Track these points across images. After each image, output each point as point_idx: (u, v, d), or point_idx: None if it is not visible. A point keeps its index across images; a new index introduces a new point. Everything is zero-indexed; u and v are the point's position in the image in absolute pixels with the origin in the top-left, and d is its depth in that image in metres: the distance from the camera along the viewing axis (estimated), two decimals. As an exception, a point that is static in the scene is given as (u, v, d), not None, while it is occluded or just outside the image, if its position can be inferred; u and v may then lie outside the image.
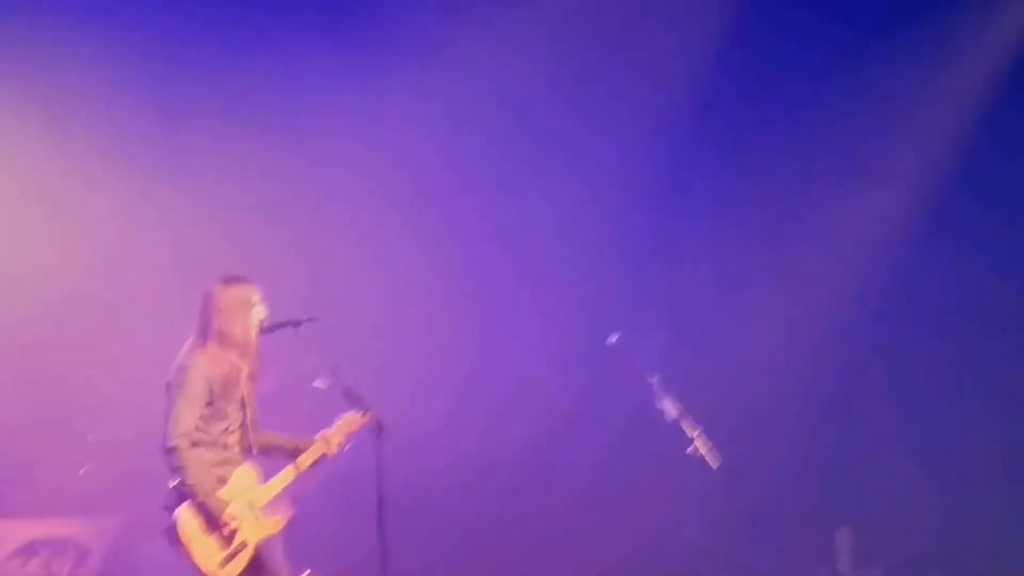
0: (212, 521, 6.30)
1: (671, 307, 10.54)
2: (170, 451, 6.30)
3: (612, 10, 10.36)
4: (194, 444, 6.36)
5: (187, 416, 6.34)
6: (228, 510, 6.33)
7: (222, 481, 6.43)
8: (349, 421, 6.72)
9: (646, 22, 10.44)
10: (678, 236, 10.73)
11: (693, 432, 7.95)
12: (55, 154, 9.79)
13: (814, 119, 10.34)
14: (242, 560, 6.42)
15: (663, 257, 10.75)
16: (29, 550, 8.93)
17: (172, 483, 6.35)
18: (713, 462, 7.92)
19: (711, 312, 10.57)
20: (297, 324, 6.67)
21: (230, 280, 6.68)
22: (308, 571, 9.96)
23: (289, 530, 7.99)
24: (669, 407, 8.00)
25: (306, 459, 6.69)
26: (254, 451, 6.66)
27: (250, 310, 6.62)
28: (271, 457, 6.76)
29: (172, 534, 6.31)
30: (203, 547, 6.30)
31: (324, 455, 6.71)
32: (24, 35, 9.56)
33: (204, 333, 6.55)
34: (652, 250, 10.80)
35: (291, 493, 7.31)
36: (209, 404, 6.42)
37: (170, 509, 6.34)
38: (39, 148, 9.80)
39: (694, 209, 10.72)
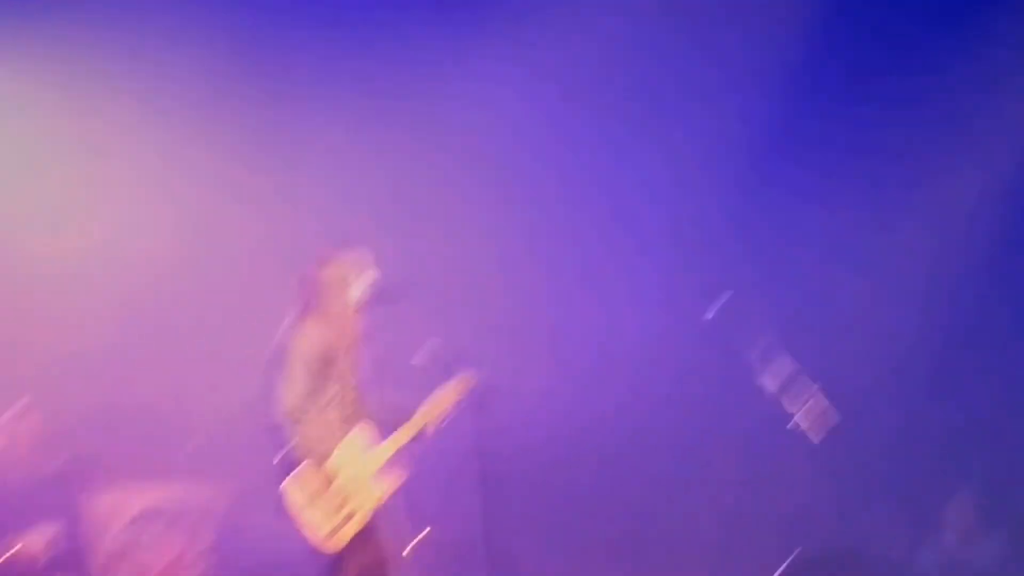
0: (321, 490, 6.44)
1: (772, 278, 10.48)
2: (283, 418, 6.45)
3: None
4: (301, 416, 6.48)
5: (293, 389, 6.48)
6: (337, 479, 6.46)
7: (329, 451, 6.55)
8: (450, 391, 6.83)
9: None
10: (780, 208, 10.67)
11: (795, 404, 7.92)
12: (148, 136, 9.98)
13: (919, 88, 10.24)
14: (352, 527, 6.54)
15: (766, 227, 10.70)
16: (144, 519, 9.14)
17: (281, 454, 6.50)
18: (815, 435, 7.88)
19: (814, 282, 10.50)
20: (395, 298, 6.79)
21: (328, 257, 6.81)
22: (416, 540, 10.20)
23: (395, 499, 8.22)
24: (771, 379, 7.98)
25: (410, 429, 6.80)
26: (359, 421, 6.77)
27: (348, 286, 6.74)
28: (376, 427, 6.87)
29: (283, 503, 6.45)
30: (314, 515, 6.44)
31: (428, 425, 6.82)
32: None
33: (305, 309, 6.70)
34: (757, 220, 10.75)
35: (396, 462, 7.51)
36: (313, 377, 6.54)
37: (280, 479, 6.49)
38: (130, 129, 10.01)
39: (796, 182, 10.64)
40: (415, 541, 9.28)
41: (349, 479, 6.54)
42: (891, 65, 10.42)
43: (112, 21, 9.75)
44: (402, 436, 6.81)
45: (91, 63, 9.83)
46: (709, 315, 8.22)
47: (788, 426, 7.90)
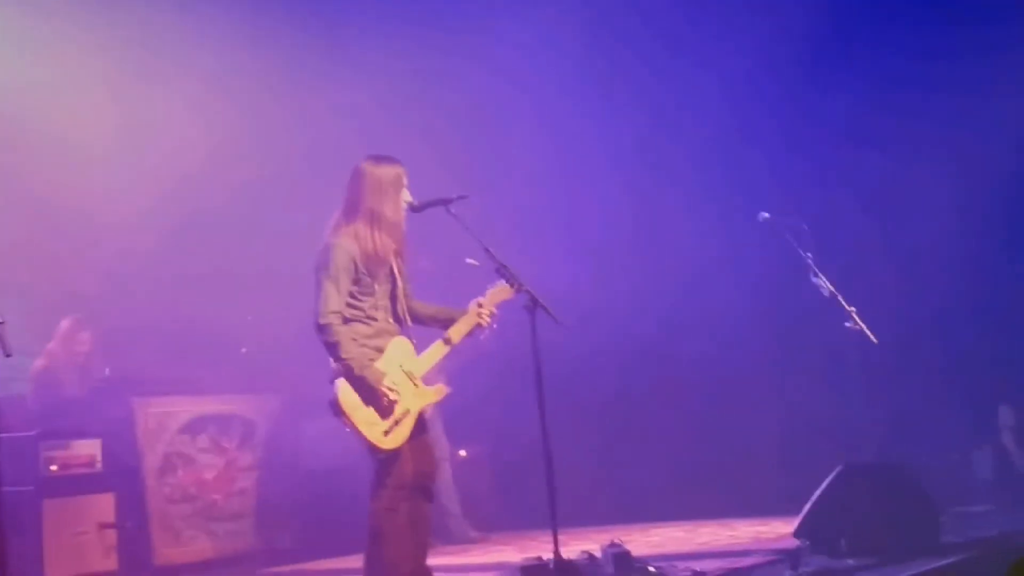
0: (371, 392, 6.37)
1: (819, 191, 10.38)
2: (322, 328, 6.39)
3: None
4: (346, 320, 6.43)
5: (335, 294, 6.40)
6: (386, 380, 6.41)
7: (379, 351, 6.50)
8: (500, 290, 6.72)
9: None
10: (826, 122, 10.57)
11: (848, 308, 7.86)
12: (197, 55, 9.96)
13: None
14: (405, 428, 6.48)
15: (813, 142, 10.64)
16: (197, 425, 9.20)
17: (332, 362, 6.45)
18: (872, 336, 7.82)
19: (859, 194, 10.41)
20: (448, 202, 6.67)
21: (381, 158, 6.68)
22: (463, 452, 10.24)
23: (447, 406, 8.23)
24: (823, 283, 7.91)
25: (460, 328, 6.70)
26: (408, 322, 6.72)
27: (400, 189, 6.62)
28: (426, 327, 6.82)
29: (335, 406, 6.39)
30: (365, 417, 6.38)
31: (478, 325, 6.73)
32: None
33: (353, 210, 6.57)
34: (803, 136, 10.69)
35: (447, 368, 7.49)
36: (357, 281, 6.47)
37: (331, 383, 6.42)
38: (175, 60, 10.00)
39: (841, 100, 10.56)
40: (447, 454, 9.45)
41: (399, 377, 6.48)
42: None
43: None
44: (454, 334, 6.70)
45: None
46: (762, 217, 8.14)
47: (846, 324, 7.85)
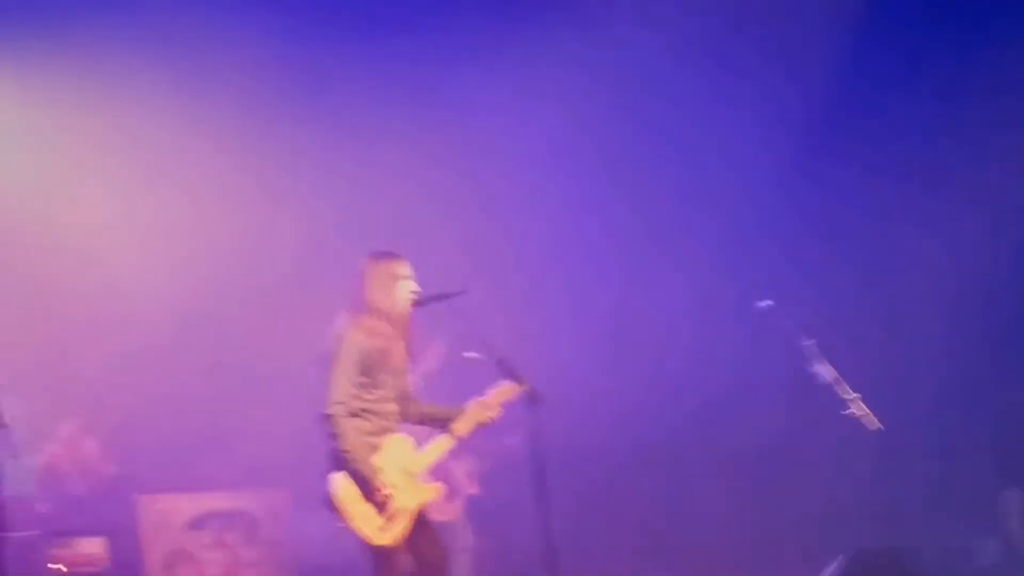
0: (367, 487, 6.42)
1: (821, 274, 10.45)
2: (326, 418, 6.44)
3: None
4: (351, 413, 6.48)
5: (343, 385, 6.47)
6: (381, 475, 6.44)
7: (377, 449, 6.55)
8: (504, 390, 6.77)
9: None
10: (828, 204, 10.66)
11: (850, 395, 7.87)
12: (204, 137, 10.05)
13: (958, 95, 10.22)
14: (402, 525, 6.51)
15: (814, 225, 10.69)
16: (201, 522, 9.20)
17: (329, 452, 6.49)
18: (871, 424, 7.82)
19: (861, 277, 10.47)
20: (448, 297, 6.75)
21: (380, 254, 6.81)
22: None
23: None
24: (824, 370, 7.93)
25: (461, 428, 6.77)
26: (410, 420, 6.78)
27: (398, 283, 6.72)
28: (427, 426, 6.89)
29: (330, 500, 6.45)
30: (361, 512, 6.42)
31: (479, 424, 6.80)
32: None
33: (357, 306, 6.68)
34: (803, 218, 10.73)
35: (445, 463, 7.51)
36: (364, 374, 6.54)
37: (328, 478, 6.48)
38: (175, 147, 10.11)
39: (842, 178, 10.62)
40: (470, 544, 9.42)
41: (395, 474, 6.51)
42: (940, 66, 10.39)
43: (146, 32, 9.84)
44: (456, 432, 6.78)
45: (129, 76, 9.92)
46: (761, 305, 8.17)
47: (844, 413, 7.85)
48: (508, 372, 6.72)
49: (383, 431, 6.61)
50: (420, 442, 6.78)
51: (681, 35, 10.49)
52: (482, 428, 6.85)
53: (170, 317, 10.00)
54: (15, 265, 9.57)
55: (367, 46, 10.36)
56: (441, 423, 6.84)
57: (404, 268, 6.78)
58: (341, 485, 6.45)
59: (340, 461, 6.45)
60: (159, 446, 9.83)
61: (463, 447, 6.93)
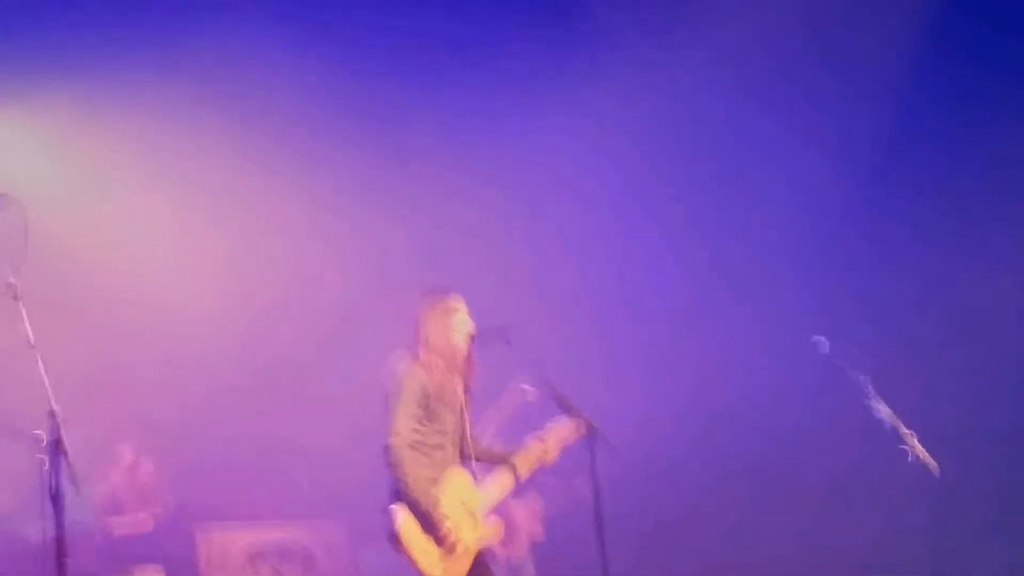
0: (428, 519, 6.44)
1: (879, 312, 10.39)
2: (387, 449, 6.46)
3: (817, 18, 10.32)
4: (411, 447, 6.51)
5: (403, 418, 6.51)
6: (442, 509, 6.46)
7: (436, 484, 6.56)
8: (563, 429, 6.80)
9: (849, 30, 10.35)
10: (886, 239, 10.59)
11: (909, 436, 7.81)
12: (255, 171, 10.14)
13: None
14: (463, 562, 6.53)
15: (876, 259, 10.63)
16: (259, 554, 9.25)
17: (390, 489, 6.53)
18: (929, 465, 7.75)
19: (922, 313, 10.39)
20: (504, 332, 6.77)
21: (435, 291, 6.88)
22: None
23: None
24: (880, 408, 7.88)
25: (522, 467, 6.81)
26: (469, 459, 6.81)
27: (453, 318, 6.77)
28: (486, 465, 6.90)
29: (391, 534, 6.45)
30: (421, 545, 6.44)
31: (539, 463, 6.84)
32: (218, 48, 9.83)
33: (417, 342, 6.73)
34: (864, 253, 10.69)
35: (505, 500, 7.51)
36: (424, 409, 6.58)
37: (389, 510, 6.50)
38: (236, 164, 10.15)
39: (899, 214, 10.55)
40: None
41: (455, 509, 6.54)
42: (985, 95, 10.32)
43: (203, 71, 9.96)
44: (516, 471, 6.81)
45: (181, 110, 10.03)
46: (818, 342, 8.13)
47: (903, 454, 7.78)
48: (566, 407, 6.73)
49: (442, 466, 6.63)
50: (479, 479, 6.80)
51: (743, 67, 10.47)
52: (542, 467, 6.88)
53: (229, 347, 10.06)
54: (73, 297, 9.65)
55: (416, 78, 10.43)
56: (500, 461, 6.87)
57: (458, 304, 6.83)
58: (402, 517, 6.46)
59: (401, 493, 6.47)
60: (218, 476, 9.89)
61: (525, 486, 6.90)
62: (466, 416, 6.82)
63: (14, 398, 8.09)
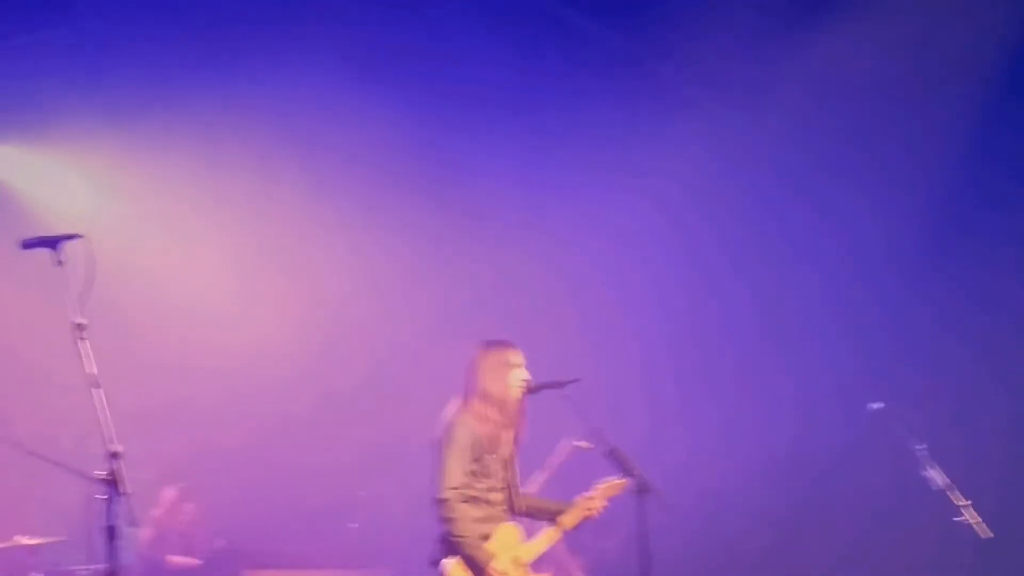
0: (480, 573, 6.44)
1: (937, 377, 10.31)
2: (440, 503, 6.47)
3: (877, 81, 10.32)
4: (464, 501, 6.52)
5: (456, 470, 6.52)
6: (493, 563, 6.46)
7: (486, 537, 6.57)
8: (611, 485, 6.79)
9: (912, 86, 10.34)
10: (943, 306, 10.52)
11: (962, 502, 7.74)
12: (308, 219, 10.20)
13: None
14: (507, 615, 6.50)
15: (933, 324, 10.56)
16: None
17: (439, 539, 6.54)
18: (983, 532, 7.68)
19: (979, 379, 10.30)
20: (560, 386, 6.75)
21: (491, 343, 6.88)
22: None
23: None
24: (935, 476, 7.82)
25: (569, 520, 6.80)
26: (518, 511, 6.80)
27: (510, 371, 6.77)
28: (534, 518, 6.91)
29: (439, 588, 6.44)
30: (470, 601, 6.42)
31: (586, 517, 6.81)
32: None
33: (468, 393, 6.74)
34: (921, 316, 10.61)
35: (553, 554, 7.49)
36: (476, 460, 6.59)
37: (438, 562, 6.51)
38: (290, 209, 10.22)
39: (954, 280, 10.48)
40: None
41: (506, 563, 6.52)
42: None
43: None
44: (564, 525, 6.80)
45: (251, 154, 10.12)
46: (874, 408, 8.10)
47: (956, 520, 7.71)
48: (618, 462, 6.70)
49: (492, 519, 6.64)
50: (528, 533, 6.79)
51: (803, 124, 10.49)
52: (589, 521, 6.85)
53: (282, 392, 10.11)
54: (127, 336, 9.72)
55: (470, 130, 10.51)
56: (549, 516, 6.86)
57: (516, 356, 6.83)
58: (452, 570, 6.47)
59: (453, 546, 6.48)
60: (268, 521, 9.91)
61: (575, 541, 6.88)
62: (515, 469, 6.83)
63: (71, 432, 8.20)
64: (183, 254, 10.21)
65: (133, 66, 9.55)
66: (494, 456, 6.68)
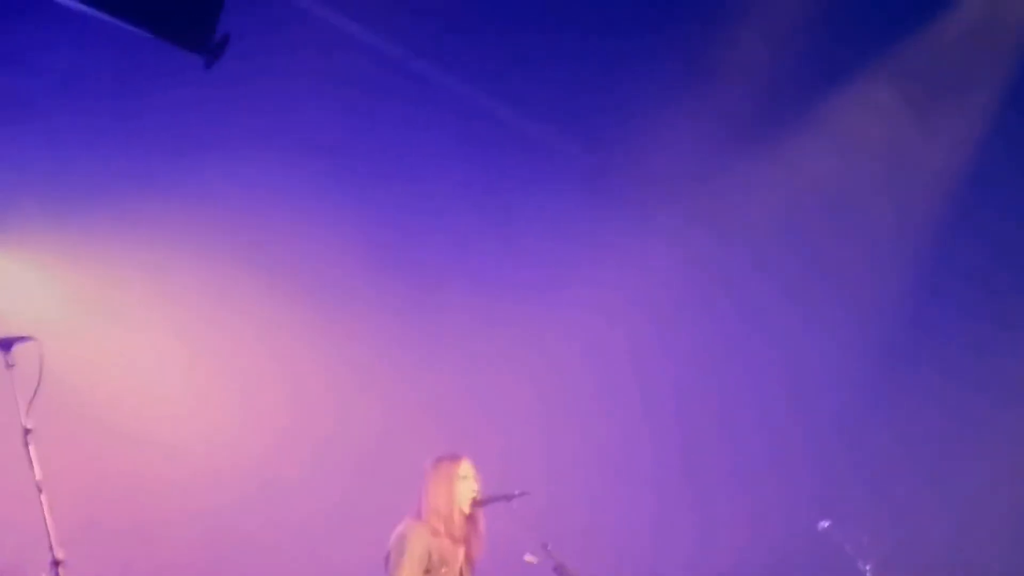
0: None
1: (881, 495, 10.36)
2: None
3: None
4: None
5: None
6: None
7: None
8: None
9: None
10: (902, 416, 10.61)
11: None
12: (262, 316, 10.12)
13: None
14: None
15: (877, 444, 10.63)
16: None
17: None
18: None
19: (921, 500, 10.36)
20: (509, 499, 6.77)
21: (440, 457, 6.91)
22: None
23: None
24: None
25: None
26: (468, 625, 6.77)
27: (456, 483, 6.79)
28: None
29: None
30: None
31: None
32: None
33: (419, 507, 6.76)
34: (866, 435, 10.69)
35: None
36: (427, 573, 6.57)
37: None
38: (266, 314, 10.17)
39: (918, 391, 10.59)
40: None
41: None
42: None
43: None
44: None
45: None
46: (823, 526, 8.13)
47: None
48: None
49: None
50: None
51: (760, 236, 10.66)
52: None
53: (238, 501, 9.95)
54: (80, 438, 9.57)
55: (448, 236, 10.56)
56: None
57: (465, 469, 6.85)
58: None
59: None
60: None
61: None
62: None
63: (19, 544, 8.06)
64: (132, 349, 10.07)
65: (84, 160, 9.48)
66: (446, 570, 6.66)
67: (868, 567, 7.95)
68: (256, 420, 9.86)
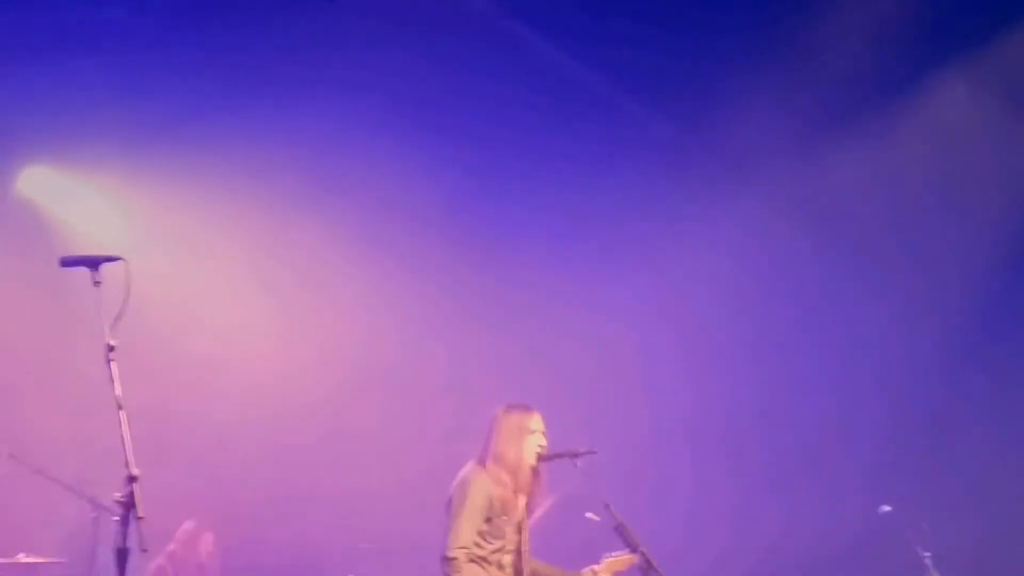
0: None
1: (944, 484, 10.30)
2: (446, 561, 6.43)
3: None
4: (472, 561, 6.48)
5: (466, 529, 6.47)
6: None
7: (490, 603, 6.51)
8: (618, 560, 6.75)
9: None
10: (956, 411, 10.52)
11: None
12: (335, 255, 10.21)
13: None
14: None
15: (942, 433, 10.54)
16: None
17: None
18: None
19: (982, 490, 10.28)
20: (575, 456, 6.74)
21: (512, 406, 6.86)
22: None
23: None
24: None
25: None
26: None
27: (527, 436, 6.76)
28: None
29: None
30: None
31: None
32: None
33: (484, 454, 6.73)
34: (931, 424, 10.61)
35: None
36: (488, 521, 6.55)
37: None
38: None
39: (970, 386, 10.51)
40: None
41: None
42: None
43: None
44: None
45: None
46: (883, 511, 8.09)
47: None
48: (625, 538, 6.68)
49: (499, 583, 6.59)
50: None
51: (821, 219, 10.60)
52: None
53: (302, 426, 10.07)
54: (152, 368, 9.70)
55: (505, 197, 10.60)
56: None
57: (535, 422, 6.82)
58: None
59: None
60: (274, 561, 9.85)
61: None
62: (525, 534, 6.78)
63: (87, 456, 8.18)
64: (207, 279, 10.19)
65: (162, 94, 9.59)
66: (506, 519, 6.64)
67: (928, 554, 7.89)
68: (326, 360, 9.96)
